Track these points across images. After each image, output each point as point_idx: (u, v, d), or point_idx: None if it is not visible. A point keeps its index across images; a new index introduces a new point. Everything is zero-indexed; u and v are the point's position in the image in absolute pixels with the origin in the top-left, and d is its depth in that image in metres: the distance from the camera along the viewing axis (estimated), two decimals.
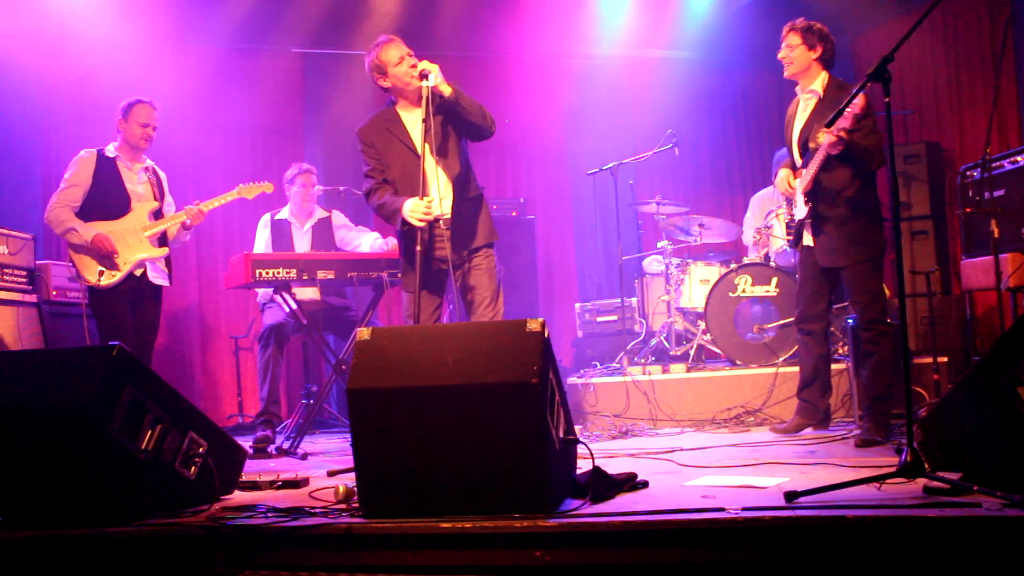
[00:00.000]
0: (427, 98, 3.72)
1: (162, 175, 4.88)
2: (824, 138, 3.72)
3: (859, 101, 3.53)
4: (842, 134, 3.66)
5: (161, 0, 6.38)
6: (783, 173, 4.20)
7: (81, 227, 4.48)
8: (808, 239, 4.13)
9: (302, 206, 5.51)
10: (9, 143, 6.26)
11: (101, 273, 4.49)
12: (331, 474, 3.46)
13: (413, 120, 3.94)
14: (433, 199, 3.78)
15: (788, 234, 4.44)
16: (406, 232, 3.90)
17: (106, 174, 4.59)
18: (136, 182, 4.67)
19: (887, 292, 6.14)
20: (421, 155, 3.78)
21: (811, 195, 4.02)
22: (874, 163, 3.87)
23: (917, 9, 6.52)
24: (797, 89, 4.18)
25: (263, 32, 6.84)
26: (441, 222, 3.87)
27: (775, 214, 5.57)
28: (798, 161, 4.14)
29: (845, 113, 3.53)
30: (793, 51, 4.02)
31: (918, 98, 6.70)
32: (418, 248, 3.76)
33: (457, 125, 3.93)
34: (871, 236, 3.97)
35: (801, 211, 4.10)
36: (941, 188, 6.12)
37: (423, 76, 3.75)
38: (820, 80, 4.04)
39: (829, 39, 4.02)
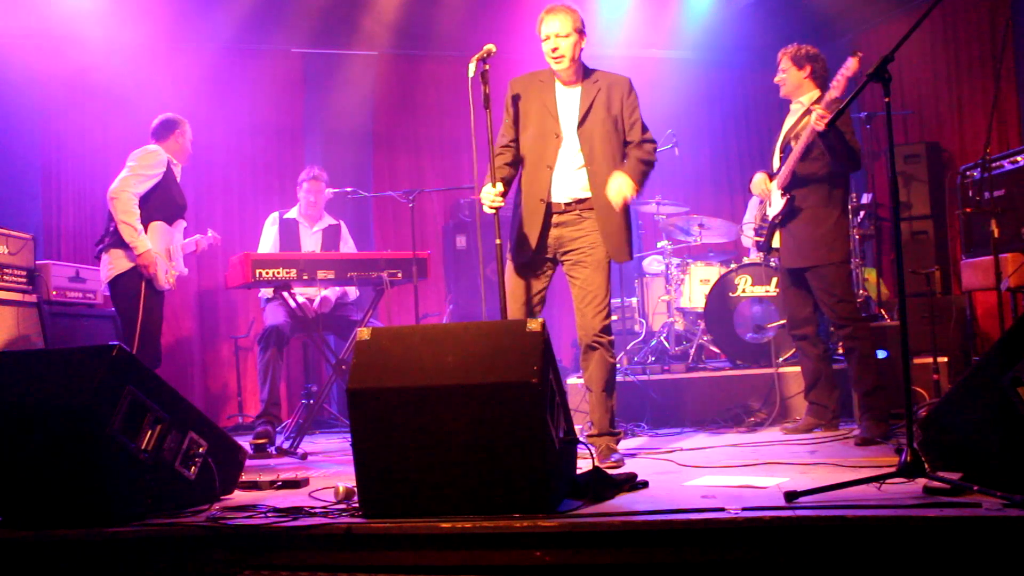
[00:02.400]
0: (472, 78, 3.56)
1: None
2: (813, 116, 3.86)
3: (840, 83, 3.77)
4: (827, 112, 3.78)
5: (161, 0, 6.37)
6: (759, 176, 4.38)
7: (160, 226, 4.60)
8: (778, 242, 4.28)
9: (310, 210, 5.52)
10: (9, 143, 6.25)
11: (167, 273, 4.59)
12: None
13: (565, 95, 3.74)
14: (497, 195, 3.55)
15: (758, 235, 4.47)
16: (514, 210, 3.78)
17: (171, 177, 4.66)
18: None
19: (887, 292, 6.17)
20: (560, 128, 3.65)
21: (787, 188, 4.19)
22: (853, 160, 3.99)
23: (917, 9, 6.51)
24: (792, 105, 4.39)
25: (263, 32, 6.83)
26: (561, 204, 3.67)
27: (746, 229, 5.60)
28: (776, 163, 4.33)
29: (826, 97, 3.87)
30: (785, 73, 4.30)
31: (918, 98, 6.70)
32: (497, 241, 3.52)
33: (613, 123, 3.71)
34: (839, 240, 4.09)
35: (777, 205, 4.24)
36: (941, 188, 6.12)
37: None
38: (809, 96, 4.25)
39: (818, 58, 4.25)
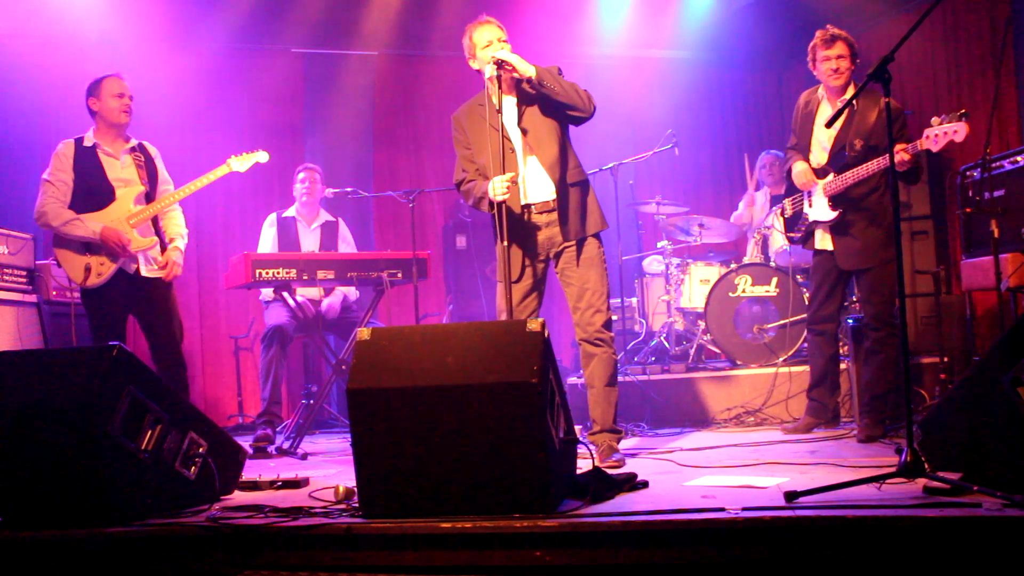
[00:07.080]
0: (488, 80, 3.61)
1: (153, 151, 4.53)
2: (898, 156, 3.69)
3: (941, 140, 3.59)
4: (911, 158, 3.74)
5: (161, 0, 6.37)
6: (802, 167, 4.19)
7: (85, 219, 4.17)
8: (825, 242, 4.21)
9: (307, 204, 5.51)
10: (8, 143, 6.26)
11: (87, 271, 4.17)
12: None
13: (507, 104, 3.72)
14: (509, 182, 3.50)
15: (794, 229, 4.40)
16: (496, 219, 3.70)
17: (86, 165, 4.29)
18: (120, 167, 4.33)
19: None
20: (509, 139, 3.59)
21: (838, 200, 4.09)
22: (916, 181, 4.14)
23: (917, 9, 6.51)
24: (821, 92, 4.21)
25: (263, 32, 6.84)
26: (533, 208, 3.67)
27: (775, 214, 5.55)
28: (820, 159, 4.18)
29: (917, 145, 3.67)
30: (845, 61, 4.08)
31: (918, 98, 6.70)
32: (504, 243, 3.50)
33: (551, 109, 3.67)
34: (892, 240, 4.02)
35: (824, 213, 4.14)
36: (941, 188, 6.11)
37: (498, 64, 3.56)
38: (850, 92, 4.09)
39: None
